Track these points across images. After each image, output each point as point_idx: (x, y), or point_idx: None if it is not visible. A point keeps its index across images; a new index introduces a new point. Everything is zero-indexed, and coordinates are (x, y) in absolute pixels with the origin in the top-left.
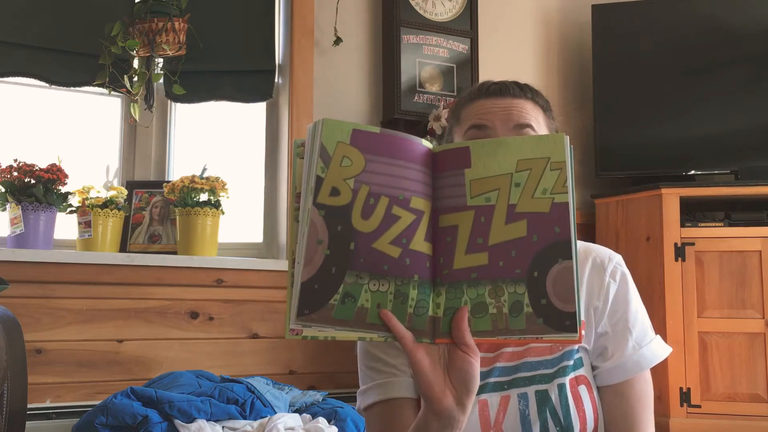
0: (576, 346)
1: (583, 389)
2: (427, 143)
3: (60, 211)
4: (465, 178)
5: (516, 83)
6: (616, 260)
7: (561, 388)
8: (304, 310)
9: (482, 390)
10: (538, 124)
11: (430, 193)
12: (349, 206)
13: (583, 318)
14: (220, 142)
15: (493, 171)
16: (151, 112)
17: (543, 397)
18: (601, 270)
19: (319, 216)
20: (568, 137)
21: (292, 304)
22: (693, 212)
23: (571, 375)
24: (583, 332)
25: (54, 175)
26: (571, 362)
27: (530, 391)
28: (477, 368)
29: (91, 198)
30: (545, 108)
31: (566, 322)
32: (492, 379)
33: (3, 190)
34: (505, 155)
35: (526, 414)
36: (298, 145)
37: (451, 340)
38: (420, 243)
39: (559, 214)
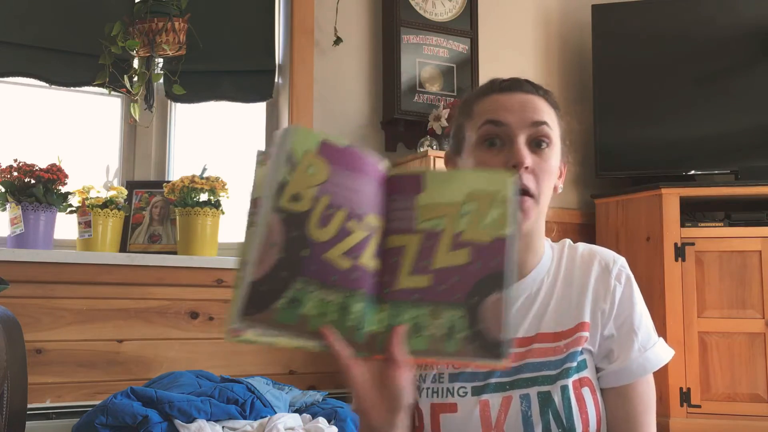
0: (580, 348)
1: (586, 391)
2: (384, 165)
3: (60, 211)
4: (416, 202)
5: (528, 81)
6: (620, 263)
7: (564, 389)
8: (249, 309)
9: (483, 390)
10: (552, 122)
11: (383, 213)
12: (307, 213)
13: (587, 320)
14: (220, 142)
15: (443, 199)
16: (151, 112)
17: (546, 399)
18: (607, 272)
19: (278, 219)
20: (514, 177)
21: (238, 303)
22: (693, 212)
23: (575, 377)
24: (587, 334)
25: (54, 175)
26: (575, 364)
27: (532, 392)
28: (407, 385)
29: (91, 198)
30: (555, 106)
31: (497, 349)
32: (493, 380)
33: (3, 190)
34: (457, 185)
35: (528, 415)
36: (260, 154)
37: (387, 357)
38: (369, 259)
39: (500, 247)
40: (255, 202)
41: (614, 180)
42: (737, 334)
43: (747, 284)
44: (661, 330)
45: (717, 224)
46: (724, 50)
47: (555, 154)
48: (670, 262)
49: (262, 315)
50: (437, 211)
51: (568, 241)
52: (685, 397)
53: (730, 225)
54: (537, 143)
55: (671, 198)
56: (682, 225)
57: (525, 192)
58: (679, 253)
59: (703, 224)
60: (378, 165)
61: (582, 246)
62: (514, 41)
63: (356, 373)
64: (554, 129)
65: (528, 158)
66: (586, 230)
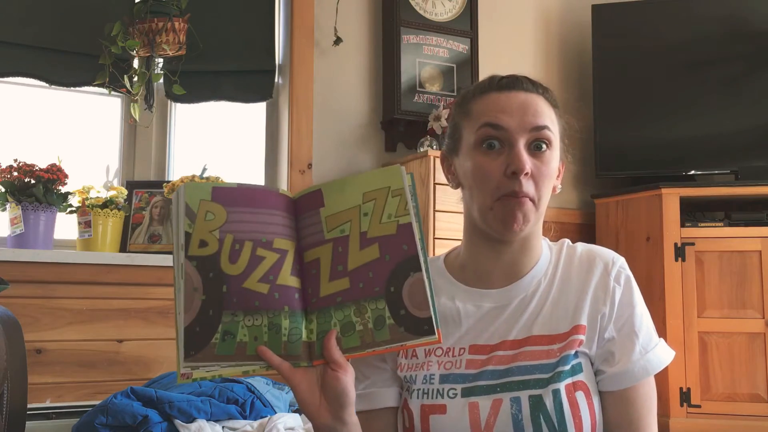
0: (573, 351)
1: (580, 395)
2: (285, 192)
3: (60, 211)
4: (321, 216)
5: (527, 78)
6: (619, 263)
7: (556, 393)
8: (190, 351)
9: (472, 392)
10: (553, 123)
11: (292, 234)
12: (216, 254)
13: (584, 323)
14: (220, 142)
15: (343, 206)
16: (151, 112)
17: (537, 403)
18: (605, 274)
19: (192, 267)
20: (403, 167)
21: (180, 349)
22: (693, 212)
23: (568, 381)
24: (582, 337)
25: (54, 175)
26: (568, 367)
27: (524, 395)
28: (347, 383)
29: (91, 198)
30: (555, 104)
31: (424, 327)
32: (482, 382)
33: (3, 190)
34: (352, 190)
35: (518, 419)
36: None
37: (326, 361)
38: (287, 278)
39: (405, 234)
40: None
41: (614, 180)
42: (737, 334)
43: (747, 284)
44: (661, 330)
45: (717, 224)
46: (724, 50)
47: (555, 157)
48: (670, 262)
49: (203, 354)
50: (341, 218)
51: (567, 241)
52: (685, 397)
53: (730, 225)
54: (537, 146)
55: (671, 198)
56: (682, 225)
57: (525, 196)
58: (679, 253)
59: (703, 224)
60: (277, 194)
61: (581, 246)
62: (514, 41)
63: (298, 382)
64: (554, 131)
65: (528, 164)
66: (586, 230)
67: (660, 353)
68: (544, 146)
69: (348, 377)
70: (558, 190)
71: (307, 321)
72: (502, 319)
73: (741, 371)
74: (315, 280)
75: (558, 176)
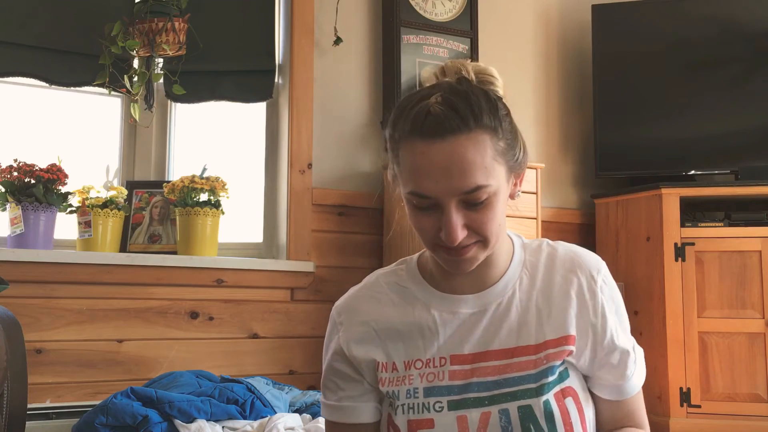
0: (559, 362)
1: (570, 402)
2: None
3: (60, 211)
4: None
5: (455, 110)
6: (604, 271)
7: (546, 404)
8: None
9: (460, 405)
10: (486, 172)
11: None
12: None
13: (573, 333)
14: (220, 142)
15: None
16: (151, 112)
17: (527, 413)
18: (592, 282)
19: None
20: None
21: None
22: (693, 212)
23: (556, 389)
24: (572, 348)
25: (54, 175)
26: (555, 376)
27: (512, 407)
28: None
29: (91, 198)
30: (494, 129)
31: None
32: (471, 395)
33: (3, 190)
34: None
35: (509, 430)
36: None
37: None
38: None
39: None
40: None
41: (614, 180)
42: (737, 334)
43: (747, 284)
44: (662, 330)
45: (717, 224)
46: (724, 51)
47: (498, 200)
48: (670, 262)
49: None
50: None
51: (545, 241)
52: (685, 397)
53: (730, 225)
54: (473, 204)
55: (671, 198)
56: (682, 225)
57: (466, 248)
58: (679, 253)
59: (703, 224)
60: None
61: (562, 249)
62: (514, 41)
63: None
64: (493, 178)
65: (459, 232)
66: (586, 230)
67: (641, 368)
68: (480, 204)
69: None
70: (517, 197)
71: None
72: (481, 326)
73: (741, 371)
74: None
75: (516, 185)
